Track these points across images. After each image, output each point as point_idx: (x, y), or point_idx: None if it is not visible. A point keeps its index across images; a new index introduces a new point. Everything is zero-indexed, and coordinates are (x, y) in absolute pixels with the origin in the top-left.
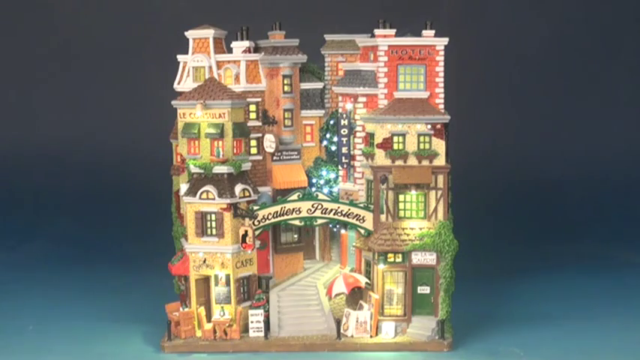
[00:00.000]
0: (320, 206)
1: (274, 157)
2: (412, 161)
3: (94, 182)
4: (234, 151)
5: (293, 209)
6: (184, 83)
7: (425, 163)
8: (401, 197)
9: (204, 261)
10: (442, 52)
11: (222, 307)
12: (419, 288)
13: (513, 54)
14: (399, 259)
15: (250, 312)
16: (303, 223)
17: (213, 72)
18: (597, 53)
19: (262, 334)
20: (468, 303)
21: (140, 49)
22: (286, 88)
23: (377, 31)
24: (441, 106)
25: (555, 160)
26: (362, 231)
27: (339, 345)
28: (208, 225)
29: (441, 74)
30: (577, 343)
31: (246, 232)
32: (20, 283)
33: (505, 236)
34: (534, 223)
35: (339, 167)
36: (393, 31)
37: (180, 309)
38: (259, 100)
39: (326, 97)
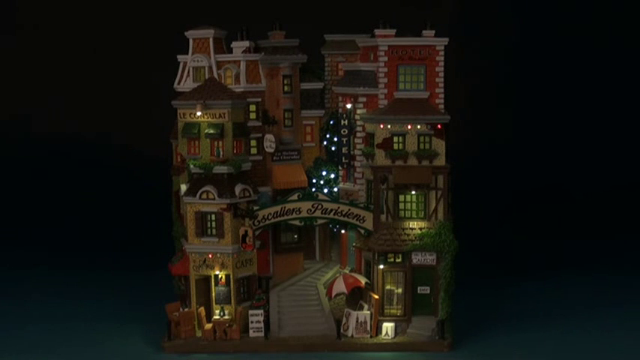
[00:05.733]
0: (320, 206)
1: (274, 157)
2: (412, 161)
3: (94, 182)
4: (234, 151)
5: (293, 209)
6: (184, 83)
7: (425, 163)
8: (401, 197)
9: (204, 261)
10: (442, 52)
11: (222, 307)
12: (419, 288)
13: (514, 54)
14: (399, 259)
15: (250, 312)
16: (303, 223)
17: (213, 72)
18: (599, 53)
19: (262, 334)
20: (468, 303)
21: (140, 49)
22: (286, 88)
23: (377, 31)
24: (441, 106)
25: (555, 159)
26: (362, 231)
27: (339, 345)
28: (208, 225)
29: (441, 74)
30: (577, 343)
31: (246, 232)
32: (20, 283)
33: (505, 236)
34: (534, 222)
35: (339, 167)
36: (393, 31)
37: (180, 309)
38: (259, 100)
39: (326, 97)
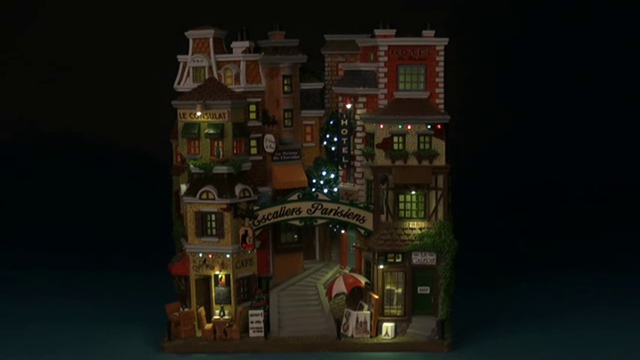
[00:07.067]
0: (320, 206)
1: (274, 157)
2: (412, 161)
3: (94, 182)
4: (234, 151)
5: (293, 209)
6: (184, 83)
7: (425, 163)
8: (401, 197)
9: (204, 261)
10: (442, 52)
11: (222, 307)
12: (419, 288)
13: (513, 54)
14: (399, 259)
15: (250, 312)
16: (303, 223)
17: (213, 72)
18: (598, 53)
19: (262, 334)
20: (468, 303)
21: (140, 49)
22: (286, 88)
23: (377, 31)
24: (441, 106)
25: (555, 159)
26: (362, 231)
27: (339, 345)
28: (208, 225)
29: (441, 74)
30: (577, 343)
31: (246, 232)
32: (20, 283)
33: (505, 236)
34: (534, 223)
35: (339, 167)
36: (393, 31)
37: (180, 309)
38: (259, 100)
39: (326, 97)
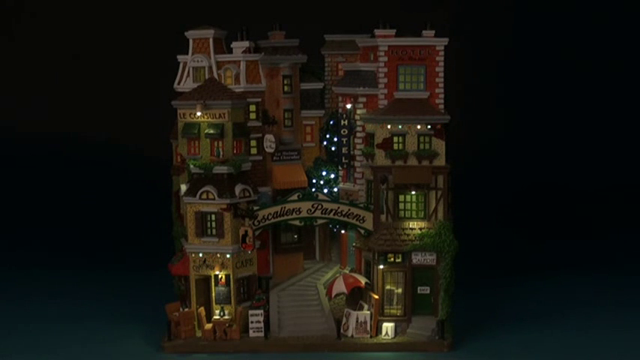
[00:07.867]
0: (320, 206)
1: (274, 157)
2: (412, 161)
3: (94, 182)
4: (234, 151)
5: (293, 209)
6: (184, 83)
7: (425, 163)
8: (401, 197)
9: (204, 261)
10: (442, 53)
11: (222, 307)
12: (419, 288)
13: (514, 54)
14: (399, 259)
15: (250, 312)
16: (303, 223)
17: (213, 72)
18: (598, 53)
19: (262, 334)
20: (468, 303)
21: (140, 49)
22: (286, 88)
23: (377, 31)
24: (441, 106)
25: (555, 159)
26: (362, 231)
27: (339, 345)
28: (208, 225)
29: (441, 74)
30: (577, 343)
31: (246, 232)
32: (20, 283)
33: (505, 236)
34: (534, 223)
35: (339, 167)
36: (393, 31)
37: (180, 309)
38: (259, 100)
39: (326, 97)
